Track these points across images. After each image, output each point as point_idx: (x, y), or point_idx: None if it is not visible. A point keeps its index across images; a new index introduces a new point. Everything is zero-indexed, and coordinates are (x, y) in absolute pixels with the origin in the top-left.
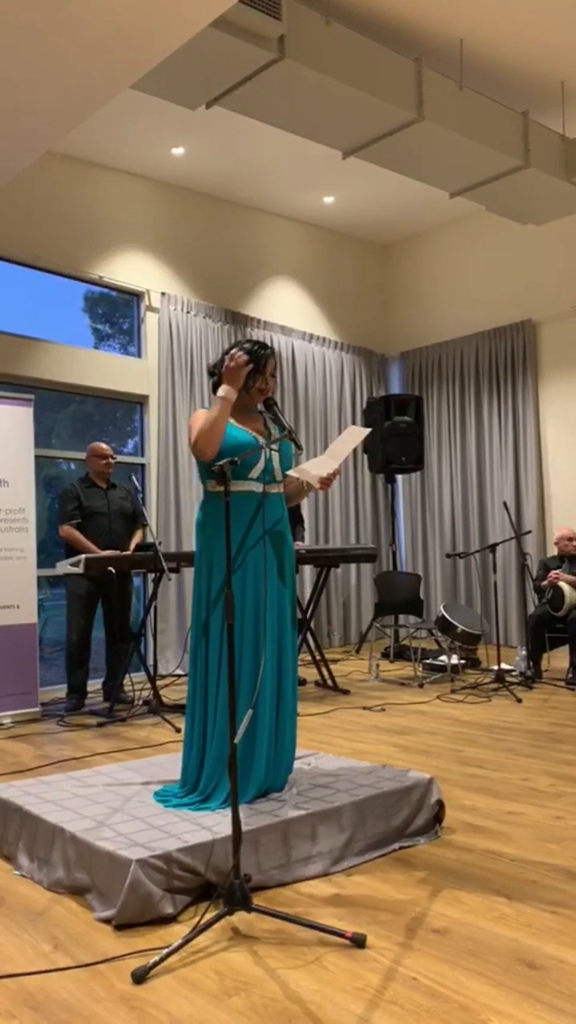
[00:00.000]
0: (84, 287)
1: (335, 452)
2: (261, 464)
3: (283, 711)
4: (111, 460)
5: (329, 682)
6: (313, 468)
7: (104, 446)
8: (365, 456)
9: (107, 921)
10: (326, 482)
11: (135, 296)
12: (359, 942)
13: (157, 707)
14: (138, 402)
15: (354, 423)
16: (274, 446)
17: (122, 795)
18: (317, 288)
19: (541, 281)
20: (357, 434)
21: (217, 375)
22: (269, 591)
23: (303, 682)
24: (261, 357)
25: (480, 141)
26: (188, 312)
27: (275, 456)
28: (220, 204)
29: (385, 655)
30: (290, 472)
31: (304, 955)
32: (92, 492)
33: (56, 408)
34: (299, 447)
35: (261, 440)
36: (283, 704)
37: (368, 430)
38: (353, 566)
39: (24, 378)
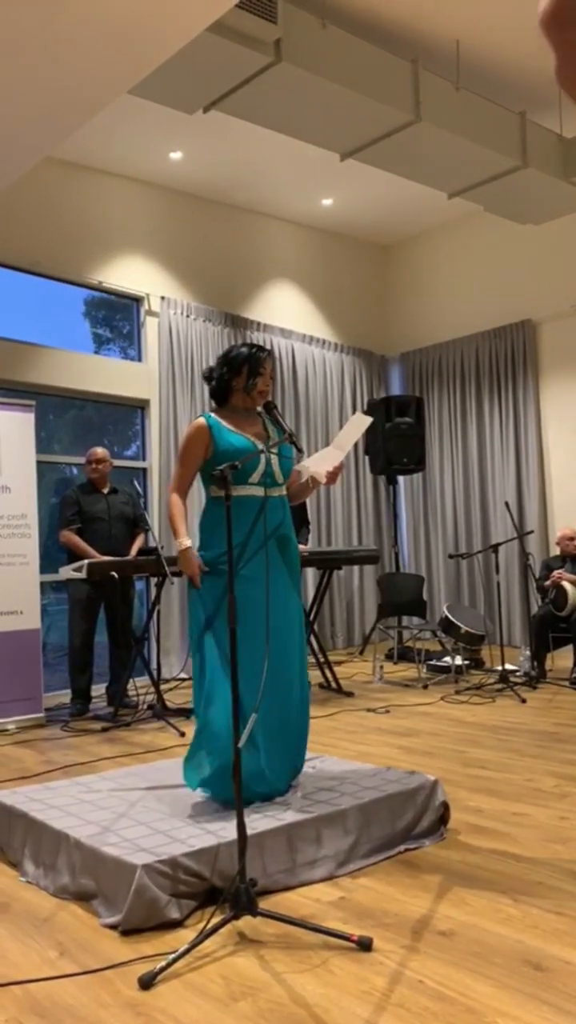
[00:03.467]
0: (84, 292)
1: (341, 443)
2: (261, 468)
3: (293, 714)
4: (99, 465)
5: (333, 684)
6: (318, 463)
7: (97, 451)
8: (367, 458)
9: (113, 927)
10: (332, 476)
11: (135, 300)
12: (365, 945)
13: (161, 711)
14: (139, 406)
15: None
16: (274, 449)
17: (127, 800)
18: (316, 290)
19: (540, 281)
20: (361, 423)
21: (215, 381)
22: (274, 594)
23: None
24: (259, 360)
25: (478, 142)
26: (188, 316)
27: (275, 459)
28: (218, 207)
29: (389, 657)
30: (297, 467)
31: (310, 959)
32: (92, 497)
33: (58, 413)
34: (299, 450)
35: (259, 444)
36: (292, 707)
37: (371, 419)
38: (356, 568)
39: (25, 384)
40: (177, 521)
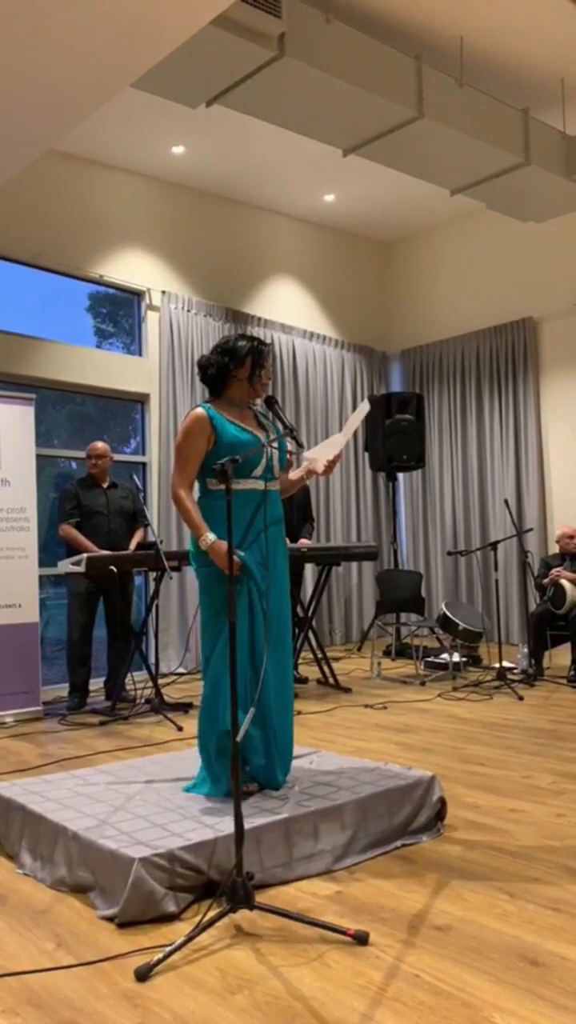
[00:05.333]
0: (85, 286)
1: (346, 430)
2: (264, 461)
3: (285, 707)
4: (99, 461)
5: (331, 680)
6: (321, 451)
7: (98, 445)
8: (367, 454)
9: (110, 919)
10: (329, 466)
11: (136, 295)
12: (362, 939)
13: (159, 705)
14: (139, 401)
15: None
16: (275, 443)
17: (124, 793)
18: (318, 286)
19: (542, 278)
20: (363, 411)
21: (213, 370)
22: (277, 586)
23: (305, 680)
24: (263, 352)
25: (480, 138)
26: (189, 310)
27: (274, 453)
28: (221, 202)
29: (387, 653)
30: (305, 454)
31: (307, 952)
32: (91, 491)
33: (57, 407)
34: (300, 445)
35: (262, 438)
36: (285, 700)
37: (368, 407)
38: (354, 564)
39: (25, 377)
40: (196, 517)
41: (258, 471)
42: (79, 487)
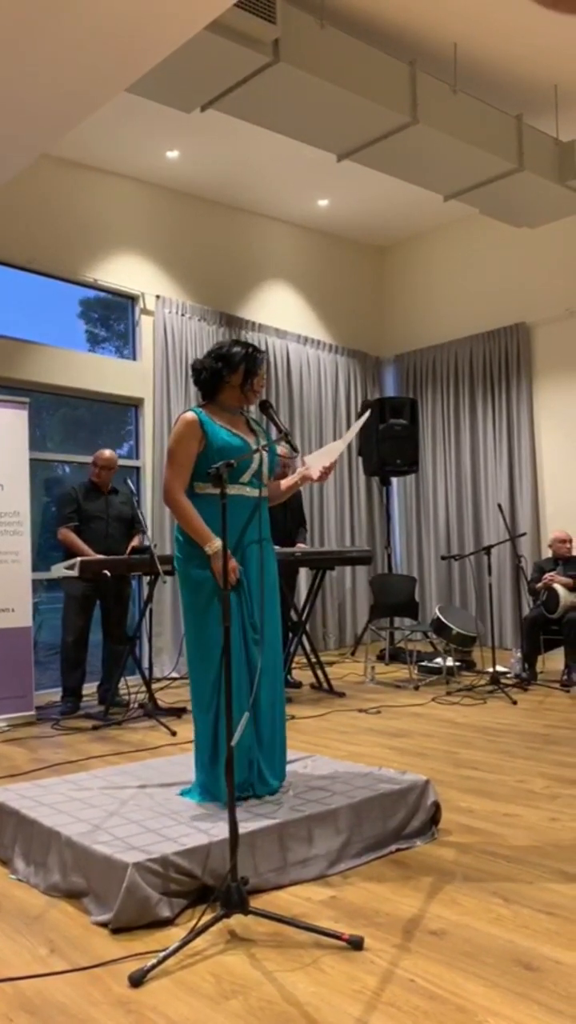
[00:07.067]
0: (79, 290)
1: (346, 438)
2: (253, 467)
3: (276, 713)
4: (101, 471)
5: (324, 685)
6: (319, 458)
7: (105, 453)
8: (360, 459)
9: (104, 925)
10: (324, 473)
11: (130, 299)
12: (356, 944)
13: (152, 710)
14: (133, 405)
15: (349, 426)
16: (267, 448)
17: (118, 798)
18: (312, 291)
19: (535, 284)
20: (364, 420)
21: (206, 375)
22: (267, 591)
23: (299, 685)
24: (257, 360)
25: (474, 144)
26: (183, 315)
27: (265, 459)
28: (215, 207)
29: (380, 657)
30: (306, 458)
31: (301, 958)
32: (91, 496)
33: (50, 411)
34: (295, 450)
35: (253, 443)
36: (277, 706)
37: (367, 414)
38: (348, 568)
39: (19, 381)
40: (200, 523)
41: (246, 477)
42: (79, 491)
